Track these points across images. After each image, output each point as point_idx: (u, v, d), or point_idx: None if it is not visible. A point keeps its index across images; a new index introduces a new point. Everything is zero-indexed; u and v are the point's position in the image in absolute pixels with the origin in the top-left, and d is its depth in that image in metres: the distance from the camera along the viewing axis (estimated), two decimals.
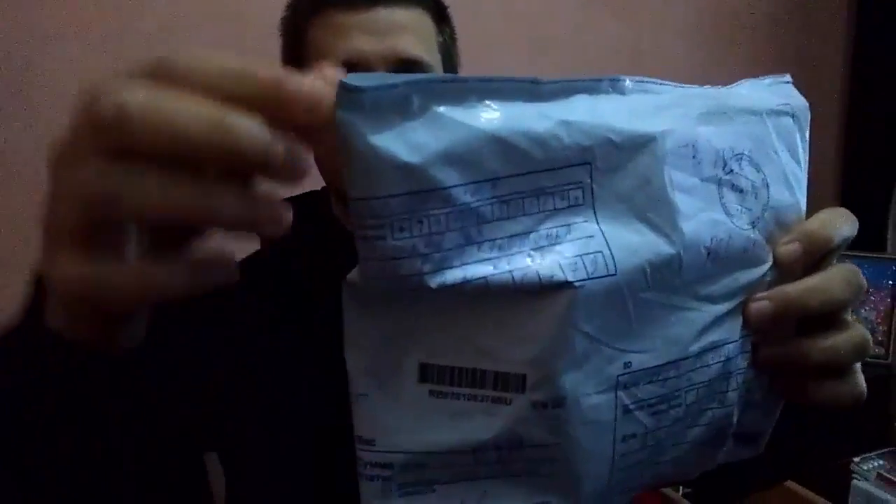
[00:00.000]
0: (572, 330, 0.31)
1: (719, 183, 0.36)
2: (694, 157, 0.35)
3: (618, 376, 0.33)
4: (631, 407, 0.34)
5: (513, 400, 0.32)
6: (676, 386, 0.35)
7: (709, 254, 0.35)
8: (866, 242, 1.91)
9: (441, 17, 0.71)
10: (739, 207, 0.36)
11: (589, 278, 0.31)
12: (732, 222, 0.36)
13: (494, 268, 0.31)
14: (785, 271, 0.38)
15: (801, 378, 0.40)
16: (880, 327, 2.04)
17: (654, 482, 0.39)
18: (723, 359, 0.37)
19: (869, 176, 2.03)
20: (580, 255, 0.32)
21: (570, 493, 0.34)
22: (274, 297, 0.68)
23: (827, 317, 0.39)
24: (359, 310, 0.32)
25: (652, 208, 0.33)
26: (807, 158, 0.41)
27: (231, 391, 0.64)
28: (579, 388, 0.32)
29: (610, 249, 0.32)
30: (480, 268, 0.30)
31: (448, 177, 0.29)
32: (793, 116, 0.40)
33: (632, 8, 1.78)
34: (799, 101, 0.41)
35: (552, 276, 0.31)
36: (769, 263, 0.38)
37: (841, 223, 0.39)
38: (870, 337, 0.40)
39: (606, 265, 0.32)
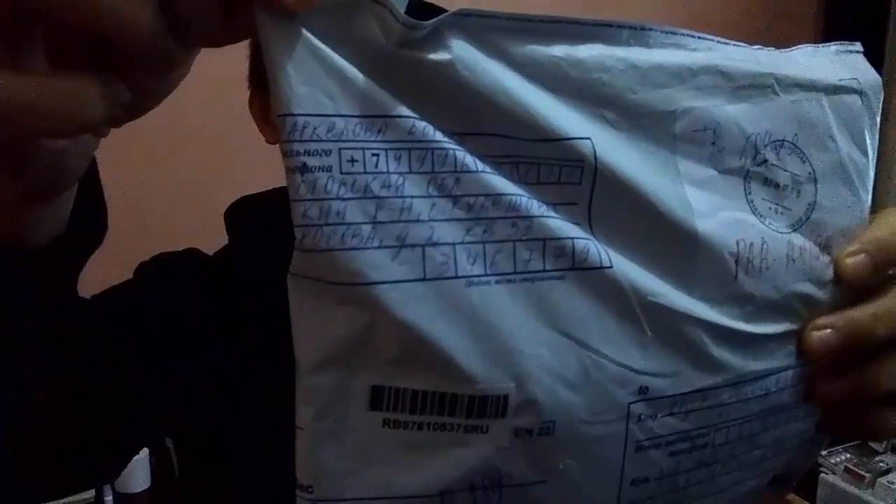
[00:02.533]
0: (560, 335, 0.26)
1: (746, 176, 0.29)
2: (714, 143, 0.29)
3: (629, 404, 0.27)
4: (645, 444, 0.28)
5: (490, 427, 0.25)
6: (704, 421, 0.29)
7: (737, 261, 0.29)
8: None
9: None
10: (774, 206, 0.30)
11: (575, 267, 0.26)
12: (764, 224, 0.30)
13: (468, 232, 0.25)
14: (848, 288, 0.31)
15: (862, 410, 0.33)
16: None
17: None
18: (765, 392, 0.30)
19: None
20: (568, 238, 0.26)
21: None
22: (241, 291, 0.65)
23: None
24: (300, 312, 0.25)
25: None
26: (875, 146, 0.33)
27: (205, 391, 0.62)
28: (574, 414, 0.26)
29: (594, 238, 0.27)
30: (450, 229, 0.25)
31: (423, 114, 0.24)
32: (861, 94, 0.32)
33: (601, 3, 1.77)
34: (870, 75, 0.33)
35: (529, 259, 0.25)
36: (828, 276, 0.31)
37: None
38: None
39: (599, 255, 0.26)
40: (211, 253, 0.63)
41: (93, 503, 1.27)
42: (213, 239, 0.63)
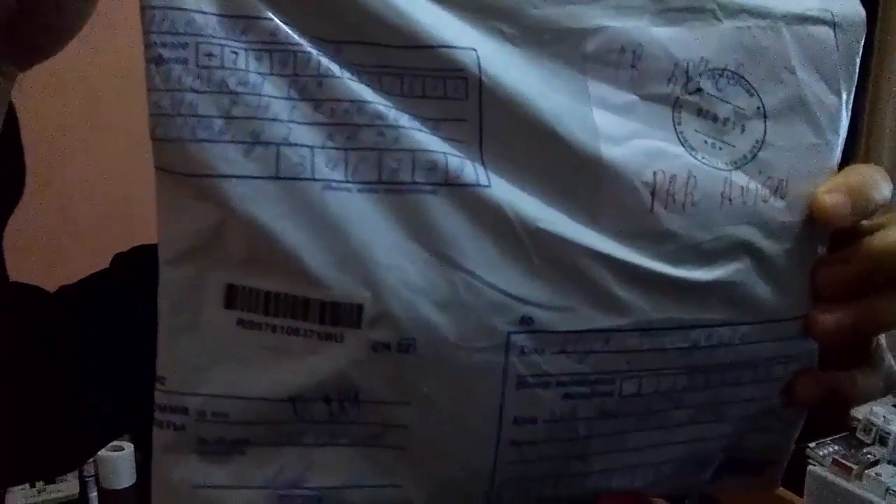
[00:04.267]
0: (426, 251, 0.24)
1: (675, 104, 0.27)
2: (634, 66, 0.27)
3: (510, 334, 0.25)
4: (530, 380, 0.26)
5: (346, 336, 0.24)
6: (607, 367, 0.27)
7: (653, 193, 0.26)
8: None
9: None
10: (710, 140, 0.27)
11: (448, 183, 0.24)
12: (696, 157, 0.27)
13: (329, 137, 0.24)
14: (820, 230, 0.29)
15: (854, 358, 0.31)
16: None
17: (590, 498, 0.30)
18: (691, 345, 0.27)
19: None
20: (441, 153, 0.25)
21: (426, 480, 0.26)
22: None
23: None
24: (161, 205, 0.25)
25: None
26: (852, 88, 0.30)
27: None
28: (439, 335, 0.24)
29: (482, 156, 0.25)
30: (309, 133, 0.24)
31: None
32: (834, 27, 0.29)
33: None
34: (850, 8, 0.30)
35: (397, 169, 0.24)
36: (779, 223, 0.28)
37: (882, 183, 0.30)
38: None
39: (476, 174, 0.25)
40: None
41: (77, 499, 1.26)
42: None
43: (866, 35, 0.31)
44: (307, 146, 0.24)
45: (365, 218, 0.24)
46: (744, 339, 0.28)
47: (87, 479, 1.26)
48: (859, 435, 1.77)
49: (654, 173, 0.26)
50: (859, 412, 1.82)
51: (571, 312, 0.26)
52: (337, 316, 0.24)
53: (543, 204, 0.26)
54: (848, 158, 0.30)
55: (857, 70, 0.30)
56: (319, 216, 0.24)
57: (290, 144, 0.24)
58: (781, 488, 1.10)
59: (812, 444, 1.75)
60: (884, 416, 1.76)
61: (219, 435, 0.25)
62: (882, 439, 1.73)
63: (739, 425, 0.31)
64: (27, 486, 1.25)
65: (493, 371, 0.25)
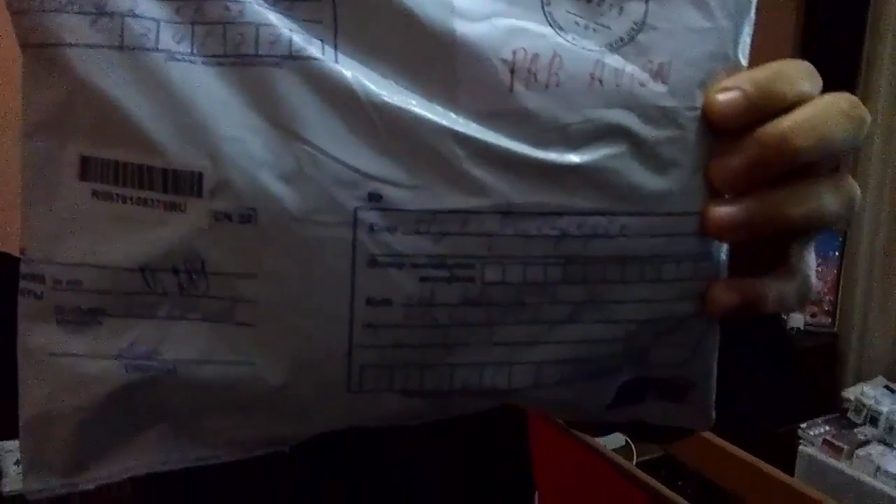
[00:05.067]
0: (269, 123, 0.24)
1: None
2: None
3: (356, 209, 0.25)
4: (381, 259, 0.25)
5: (188, 206, 0.25)
6: (466, 250, 0.26)
7: (513, 71, 0.25)
8: None
9: None
10: (583, 21, 0.26)
11: (292, 56, 0.24)
12: (564, 38, 0.26)
13: (176, 12, 0.24)
14: (718, 128, 0.27)
15: (760, 259, 0.29)
16: (827, 297, 2.09)
17: (471, 398, 0.28)
18: (560, 233, 0.26)
19: None
20: (286, 28, 0.24)
21: (280, 360, 0.26)
22: None
23: (812, 167, 0.27)
24: (25, 76, 0.25)
25: None
26: None
27: None
28: (281, 207, 0.24)
29: (336, 35, 0.25)
30: (156, 7, 0.24)
31: None
32: None
33: None
34: None
35: (240, 42, 0.24)
36: (658, 109, 0.26)
37: (798, 76, 0.27)
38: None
39: (323, 48, 0.24)
40: None
41: None
42: None
43: None
44: (153, 19, 0.24)
45: (209, 90, 0.24)
46: (624, 232, 0.27)
47: None
48: (850, 415, 1.79)
49: (514, 51, 0.25)
50: (850, 393, 1.84)
51: (424, 191, 0.25)
52: (178, 185, 0.24)
53: (398, 83, 0.25)
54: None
55: None
56: (162, 86, 0.24)
57: (135, 16, 0.24)
58: (771, 467, 1.10)
59: (803, 425, 1.77)
60: (875, 397, 1.78)
61: (75, 303, 0.26)
62: (873, 419, 1.75)
63: (636, 333, 0.29)
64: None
65: (340, 247, 0.25)
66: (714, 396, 0.31)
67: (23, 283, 0.26)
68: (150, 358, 0.26)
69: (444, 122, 0.25)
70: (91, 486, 0.27)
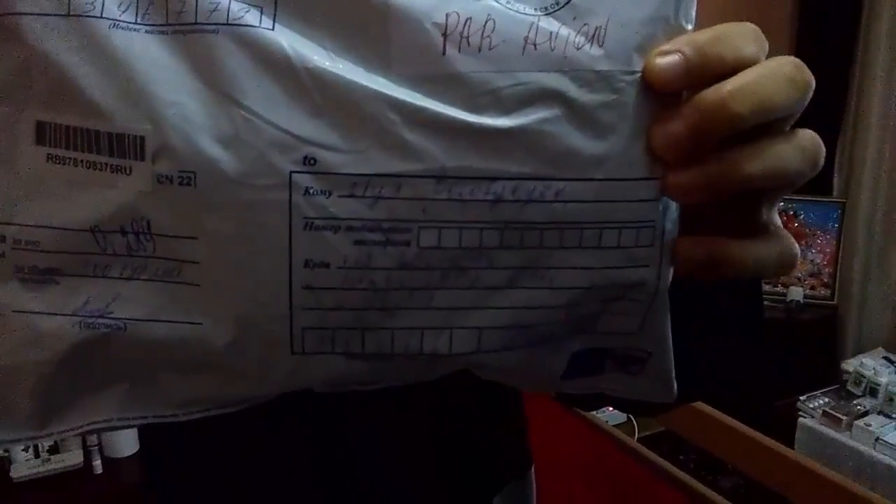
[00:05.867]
0: (208, 89, 0.25)
1: None
2: None
3: (292, 172, 0.25)
4: (317, 222, 0.26)
5: (133, 169, 0.25)
6: (402, 214, 0.26)
7: (445, 34, 0.25)
8: (812, 185, 1.94)
9: None
10: None
11: (229, 23, 0.25)
12: (497, 1, 0.26)
13: None
14: (659, 93, 0.26)
15: (714, 234, 0.28)
16: (826, 269, 2.09)
17: (414, 362, 0.29)
18: (495, 198, 0.26)
19: (815, 118, 2.05)
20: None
21: (225, 320, 0.27)
22: None
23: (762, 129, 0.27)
24: None
25: None
26: None
27: None
28: (219, 170, 0.25)
29: (276, 6, 0.25)
30: None
31: None
32: None
33: None
34: None
35: (180, 11, 0.25)
36: (593, 73, 0.26)
37: (742, 39, 0.27)
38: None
39: (260, 17, 0.25)
40: None
41: (81, 468, 1.28)
42: None
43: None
44: None
45: (151, 57, 0.25)
46: (560, 197, 0.26)
47: (90, 448, 1.28)
48: (849, 387, 1.80)
49: (447, 15, 0.25)
50: (850, 365, 1.85)
51: (359, 155, 0.25)
52: (123, 148, 0.25)
53: (334, 50, 0.25)
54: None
55: None
56: (106, 52, 0.25)
57: None
58: (772, 440, 1.11)
59: (803, 397, 1.78)
60: (874, 369, 1.80)
61: (32, 263, 0.27)
62: (872, 391, 1.76)
63: (579, 300, 0.28)
64: (31, 456, 1.27)
65: (276, 210, 0.25)
66: (673, 367, 0.31)
67: None
68: (103, 316, 0.27)
69: (378, 88, 0.25)
70: (52, 439, 0.29)
